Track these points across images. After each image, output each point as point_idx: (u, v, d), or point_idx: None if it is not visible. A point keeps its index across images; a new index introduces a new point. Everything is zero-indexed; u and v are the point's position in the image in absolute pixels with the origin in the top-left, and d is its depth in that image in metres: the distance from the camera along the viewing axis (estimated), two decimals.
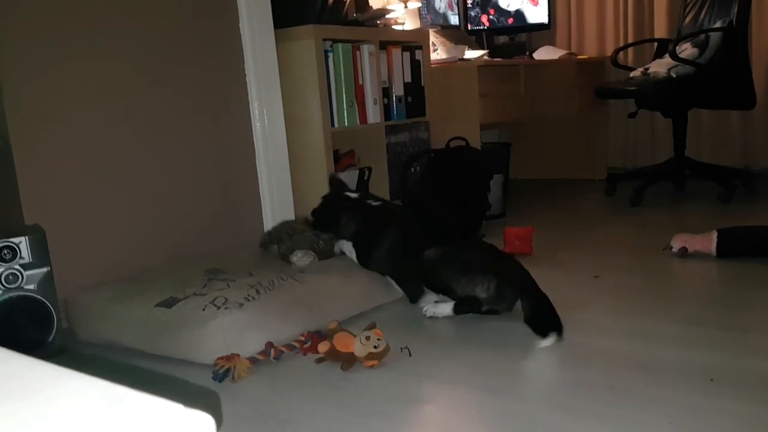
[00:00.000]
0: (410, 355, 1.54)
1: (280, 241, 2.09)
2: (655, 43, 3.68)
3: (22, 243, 1.62)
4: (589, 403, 1.26)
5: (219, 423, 1.26)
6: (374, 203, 2.10)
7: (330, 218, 2.09)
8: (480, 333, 1.68)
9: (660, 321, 1.67)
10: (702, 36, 3.17)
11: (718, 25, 3.15)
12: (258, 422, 1.27)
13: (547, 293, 1.96)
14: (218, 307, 1.57)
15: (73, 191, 1.92)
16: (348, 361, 1.49)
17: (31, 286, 1.64)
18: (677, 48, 3.12)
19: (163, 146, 2.15)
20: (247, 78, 2.39)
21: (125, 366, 1.59)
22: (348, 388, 1.40)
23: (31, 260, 1.64)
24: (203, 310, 1.57)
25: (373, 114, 2.73)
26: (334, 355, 1.51)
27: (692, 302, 1.80)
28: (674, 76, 3.13)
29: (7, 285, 1.61)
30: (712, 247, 2.19)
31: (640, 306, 1.80)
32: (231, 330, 1.53)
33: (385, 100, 2.80)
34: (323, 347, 1.53)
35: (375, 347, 1.48)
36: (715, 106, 3.47)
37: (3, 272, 1.60)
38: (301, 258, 1.97)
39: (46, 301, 1.66)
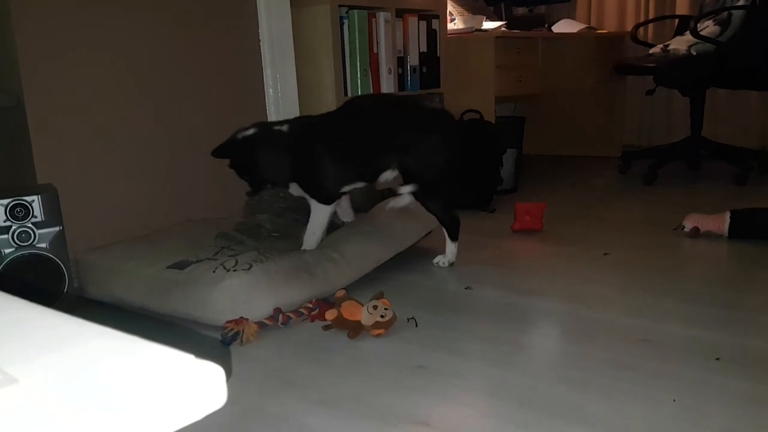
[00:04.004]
0: (416, 325, 1.55)
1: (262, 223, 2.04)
2: (676, 20, 3.62)
3: (35, 201, 1.63)
4: (592, 376, 1.26)
5: (228, 374, 1.29)
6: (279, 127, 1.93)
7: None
8: (486, 305, 1.68)
9: (668, 299, 1.67)
10: (724, 13, 3.11)
11: (741, 2, 3.09)
12: (264, 383, 1.29)
13: (556, 268, 1.97)
14: (227, 270, 1.59)
15: (86, 152, 1.93)
16: (355, 329, 1.50)
17: (43, 245, 1.66)
18: (698, 25, 3.07)
19: (176, 109, 2.14)
20: (261, 43, 2.37)
21: (136, 321, 1.61)
22: (354, 354, 1.41)
23: (43, 219, 1.65)
24: (213, 271, 1.60)
25: (387, 84, 2.71)
26: (341, 322, 1.53)
27: (702, 282, 1.79)
28: (694, 53, 3.08)
29: (19, 242, 1.62)
30: (725, 227, 2.17)
31: (648, 283, 1.79)
32: (239, 291, 1.55)
33: (400, 70, 2.77)
34: (331, 315, 1.54)
35: (382, 316, 1.49)
36: (734, 86, 3.42)
37: (16, 230, 1.61)
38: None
39: (58, 260, 1.68)
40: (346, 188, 1.94)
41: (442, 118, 1.95)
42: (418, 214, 2.08)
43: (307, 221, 1.93)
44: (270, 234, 1.98)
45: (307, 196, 1.92)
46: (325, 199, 1.91)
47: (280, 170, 1.89)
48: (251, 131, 1.89)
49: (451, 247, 2.02)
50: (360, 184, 1.96)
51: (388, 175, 1.95)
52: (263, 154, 1.88)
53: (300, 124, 1.93)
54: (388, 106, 1.98)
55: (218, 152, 1.89)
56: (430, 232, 2.15)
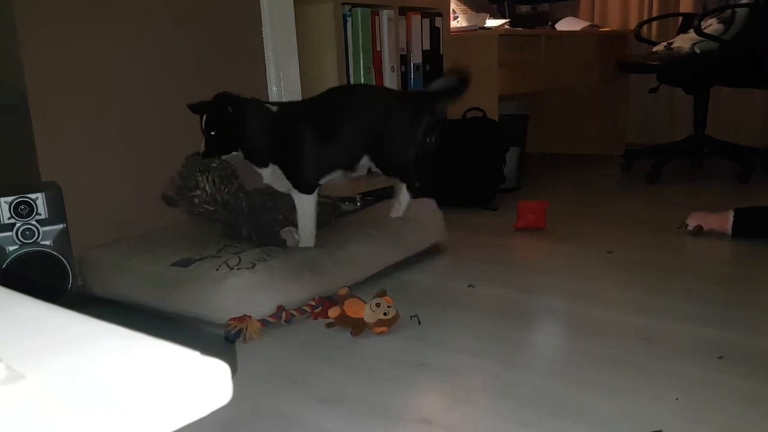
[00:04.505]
0: (419, 323, 1.55)
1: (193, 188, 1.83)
2: (680, 18, 3.61)
3: (39, 199, 1.64)
4: (594, 374, 1.26)
5: (234, 371, 1.29)
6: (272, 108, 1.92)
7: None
8: (488, 303, 1.68)
9: (671, 297, 1.67)
10: (728, 11, 3.10)
11: (745, 0, 3.08)
12: (267, 380, 1.29)
13: (559, 267, 1.97)
14: (231, 268, 1.60)
15: (89, 149, 1.93)
16: (358, 326, 1.50)
17: (47, 242, 1.66)
18: (702, 23, 3.06)
19: (179, 107, 2.14)
20: (264, 41, 2.37)
21: (140, 318, 1.62)
22: (356, 352, 1.42)
23: (47, 216, 1.65)
24: (217, 269, 1.60)
25: (390, 81, 2.71)
26: (344, 320, 1.53)
27: (705, 280, 1.79)
28: (698, 51, 3.08)
29: (23, 240, 1.63)
30: (728, 226, 2.17)
31: (651, 282, 1.79)
32: (242, 290, 1.56)
33: (403, 68, 2.77)
34: (333, 312, 1.54)
35: (385, 314, 1.49)
36: (738, 84, 3.41)
37: (20, 227, 1.62)
38: (291, 238, 1.95)
39: (62, 257, 1.68)
40: (325, 178, 1.93)
41: (403, 98, 2.07)
42: (426, 223, 2.10)
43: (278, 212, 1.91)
44: (203, 204, 1.81)
45: (288, 186, 1.88)
46: (307, 187, 1.88)
47: (261, 143, 1.85)
48: (248, 96, 1.90)
49: (406, 197, 2.04)
50: (338, 173, 1.96)
51: (366, 163, 1.98)
52: (252, 119, 1.85)
53: (287, 106, 1.97)
54: (360, 93, 2.07)
55: (196, 106, 1.87)
56: (438, 244, 2.16)
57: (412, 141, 2.00)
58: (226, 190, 1.84)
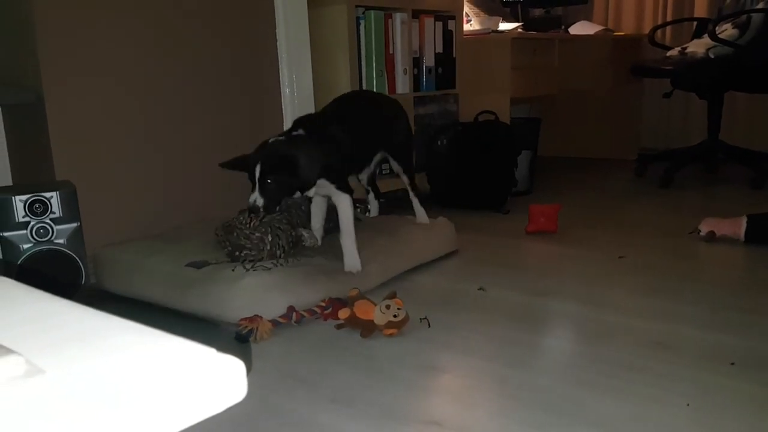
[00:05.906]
0: (429, 325, 1.55)
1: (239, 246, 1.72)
2: (695, 23, 3.59)
3: (53, 197, 1.66)
4: (606, 378, 1.26)
5: (249, 368, 1.30)
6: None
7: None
8: (499, 306, 1.68)
9: (683, 303, 1.66)
10: (743, 16, 3.08)
11: (760, 5, 3.06)
12: (277, 379, 1.30)
13: (570, 271, 1.96)
14: (247, 270, 1.62)
15: (104, 148, 1.95)
16: (367, 328, 1.50)
17: (61, 241, 1.68)
18: (717, 28, 3.04)
19: (194, 108, 2.16)
20: (278, 43, 2.38)
21: (153, 316, 1.63)
22: (366, 353, 1.42)
23: (61, 215, 1.67)
24: (233, 270, 1.63)
25: (402, 84, 2.71)
26: (354, 321, 1.53)
27: (717, 286, 1.78)
28: (712, 56, 3.06)
29: (37, 238, 1.64)
30: (741, 232, 2.15)
31: (663, 287, 1.78)
32: (257, 291, 1.57)
33: (415, 71, 2.77)
34: (344, 314, 1.55)
35: (395, 316, 1.49)
36: (752, 90, 3.39)
37: (34, 225, 1.64)
38: (309, 237, 1.93)
39: (75, 256, 1.70)
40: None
41: (398, 103, 2.18)
42: (439, 233, 2.10)
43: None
44: (248, 258, 1.71)
45: (332, 189, 1.78)
46: (348, 187, 1.80)
47: (314, 169, 1.71)
48: (283, 138, 1.74)
49: (419, 206, 2.17)
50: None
51: (378, 158, 2.12)
52: (304, 156, 1.69)
53: (311, 120, 1.85)
54: (368, 97, 2.18)
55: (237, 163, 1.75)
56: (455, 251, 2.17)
57: (409, 134, 2.21)
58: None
